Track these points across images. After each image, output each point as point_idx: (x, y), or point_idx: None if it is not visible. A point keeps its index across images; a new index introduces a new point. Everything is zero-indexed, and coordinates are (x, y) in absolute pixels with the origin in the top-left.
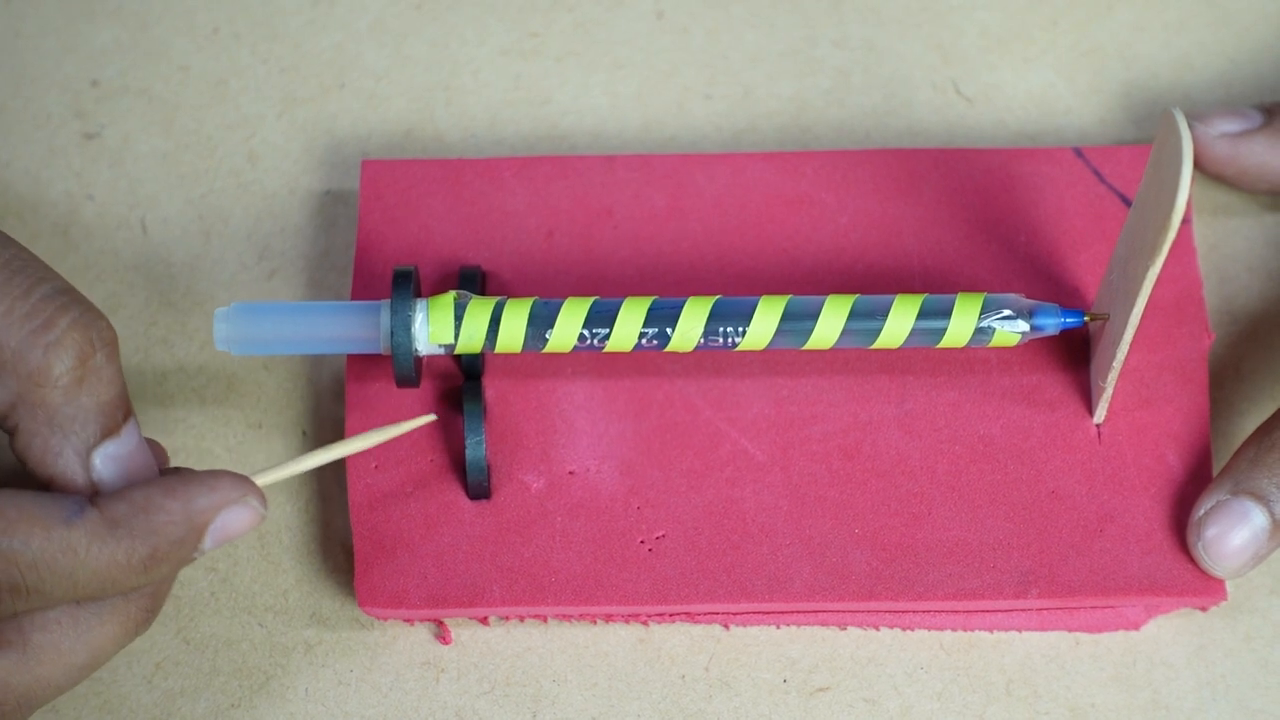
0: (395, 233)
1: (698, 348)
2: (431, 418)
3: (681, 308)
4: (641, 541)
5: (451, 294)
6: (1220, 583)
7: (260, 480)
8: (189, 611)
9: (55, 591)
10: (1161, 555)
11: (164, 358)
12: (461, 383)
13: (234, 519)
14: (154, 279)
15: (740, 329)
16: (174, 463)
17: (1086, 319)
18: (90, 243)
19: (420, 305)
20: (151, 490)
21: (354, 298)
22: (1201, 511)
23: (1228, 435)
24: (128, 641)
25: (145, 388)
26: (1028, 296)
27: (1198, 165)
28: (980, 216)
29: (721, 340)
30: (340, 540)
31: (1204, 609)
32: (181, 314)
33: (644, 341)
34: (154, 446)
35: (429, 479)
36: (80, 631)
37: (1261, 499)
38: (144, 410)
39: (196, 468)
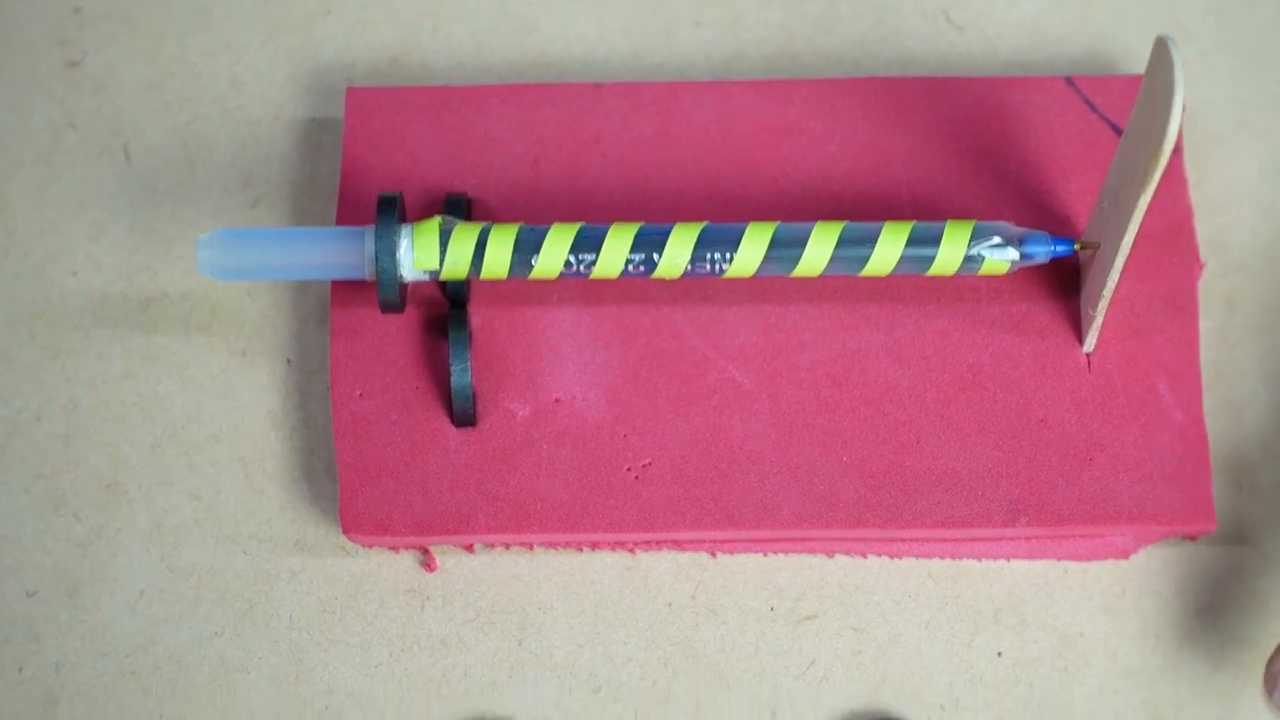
0: (380, 160)
1: (685, 274)
2: None
3: (669, 234)
4: (628, 469)
5: (437, 219)
6: (1210, 512)
7: None
8: (172, 539)
9: None
10: (1151, 484)
11: (148, 285)
12: (447, 310)
13: None
14: (137, 207)
15: (728, 255)
16: (155, 391)
17: (1076, 247)
18: (73, 171)
19: (405, 230)
20: None
21: (339, 225)
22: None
23: (1218, 365)
24: None
25: (129, 316)
26: (1018, 225)
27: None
28: (970, 145)
29: (709, 267)
30: (325, 468)
31: (1193, 538)
32: (165, 241)
33: (631, 268)
34: None
35: (414, 406)
36: None
37: None
38: (128, 338)
39: (180, 395)
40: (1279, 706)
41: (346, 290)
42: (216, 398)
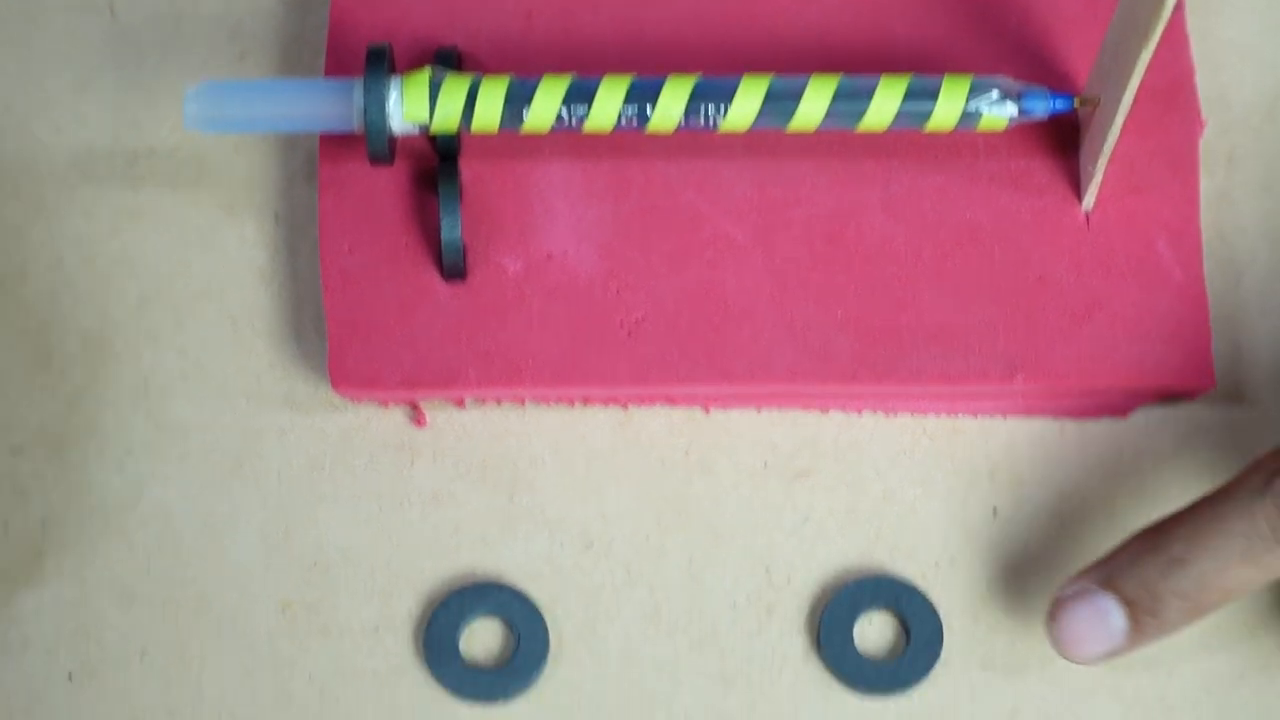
0: (369, 14)
1: (679, 128)
2: None
3: (662, 86)
4: (620, 324)
5: (427, 70)
6: (1208, 370)
7: None
8: (159, 395)
9: None
10: (1150, 343)
11: (134, 141)
12: (436, 163)
13: None
14: (123, 62)
15: (722, 108)
16: (142, 247)
17: (1076, 103)
18: (57, 26)
19: (394, 82)
20: None
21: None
22: (1068, 591)
23: (1218, 225)
24: None
25: (115, 172)
26: (1017, 80)
27: None
28: None
29: (703, 120)
30: (313, 323)
31: (1191, 397)
32: (151, 96)
33: (624, 121)
34: None
35: (403, 261)
36: None
37: (1129, 603)
38: (113, 195)
39: (167, 251)
40: (1057, 638)
41: (335, 144)
42: (204, 253)
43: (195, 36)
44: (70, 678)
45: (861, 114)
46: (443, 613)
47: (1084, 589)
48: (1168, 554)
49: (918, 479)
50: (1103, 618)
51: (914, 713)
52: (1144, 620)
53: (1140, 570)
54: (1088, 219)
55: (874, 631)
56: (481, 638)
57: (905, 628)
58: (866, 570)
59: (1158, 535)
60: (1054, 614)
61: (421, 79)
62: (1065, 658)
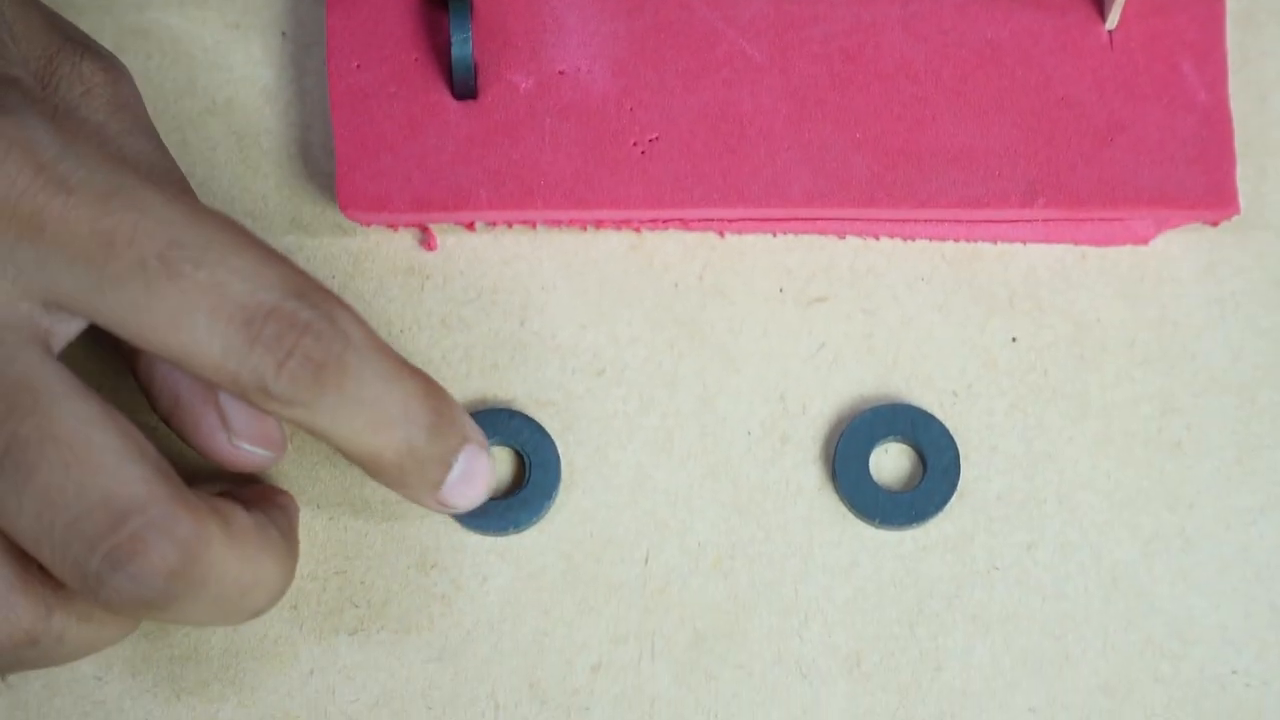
0: None
1: None
2: None
3: None
4: (634, 144)
5: None
6: (1233, 196)
7: None
8: None
9: (363, 392)
10: (1173, 167)
11: None
12: None
13: (480, 461)
14: None
15: None
16: (146, 66)
17: None
18: None
19: None
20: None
21: None
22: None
23: (1244, 46)
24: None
25: None
26: None
27: None
28: None
29: None
30: (321, 144)
31: (1215, 223)
32: None
33: None
34: None
35: (413, 79)
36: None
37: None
38: (119, 13)
39: (172, 70)
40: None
41: None
42: (210, 71)
43: None
44: None
45: None
46: None
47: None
48: None
49: (936, 305)
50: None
51: (930, 544)
52: None
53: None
54: (1111, 39)
55: (890, 461)
56: None
57: (922, 458)
58: (883, 398)
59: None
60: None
61: None
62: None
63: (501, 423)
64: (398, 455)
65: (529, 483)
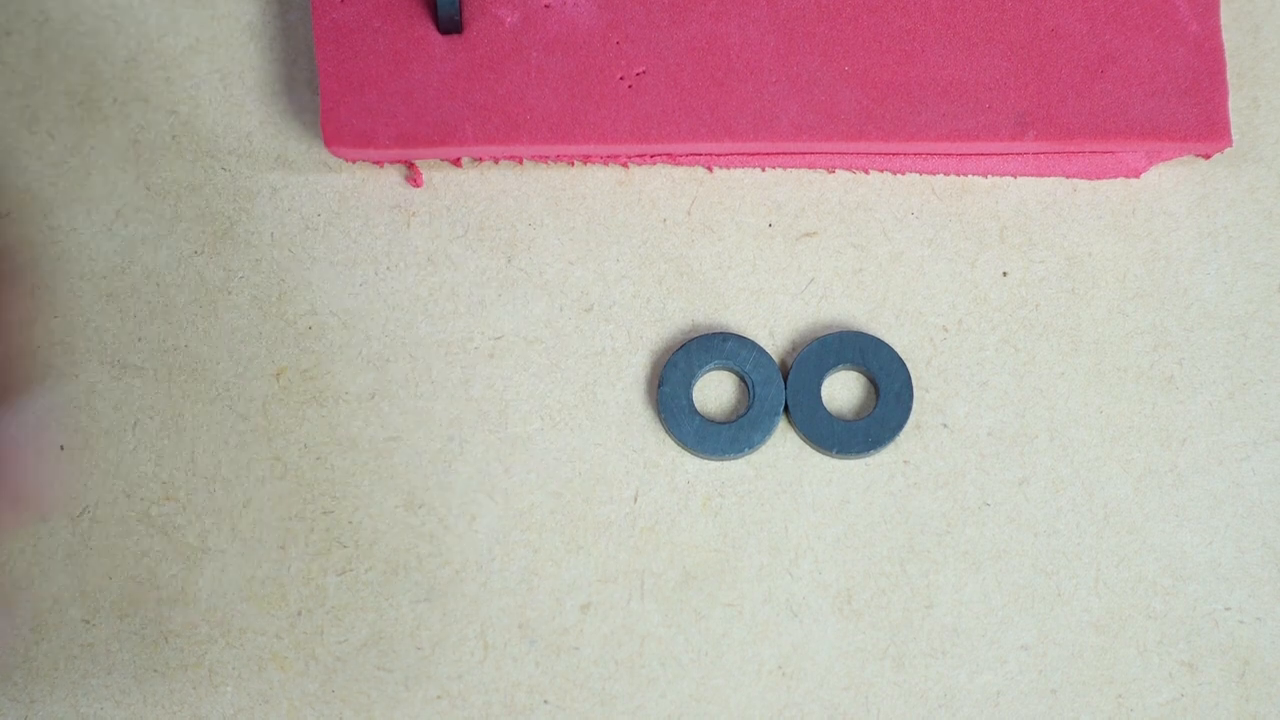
0: None
1: None
2: None
3: None
4: (621, 78)
5: None
6: (1225, 128)
7: None
8: (149, 156)
9: None
10: (1165, 99)
11: None
12: None
13: None
14: None
15: None
16: (129, 2)
17: None
18: None
19: None
20: None
21: None
22: None
23: None
24: None
25: None
26: None
27: None
28: None
29: None
30: (306, 79)
31: (1207, 156)
32: None
33: None
34: None
35: (397, 12)
36: None
37: None
38: None
39: (155, 6)
40: None
41: None
42: (193, 8)
43: None
44: (62, 449)
45: None
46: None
47: None
48: None
49: (926, 239)
50: None
51: (921, 480)
52: None
53: None
54: None
55: (845, 391)
56: None
57: (874, 384)
58: (853, 330)
59: None
60: None
61: None
62: None
63: (716, 346)
64: None
65: (754, 402)
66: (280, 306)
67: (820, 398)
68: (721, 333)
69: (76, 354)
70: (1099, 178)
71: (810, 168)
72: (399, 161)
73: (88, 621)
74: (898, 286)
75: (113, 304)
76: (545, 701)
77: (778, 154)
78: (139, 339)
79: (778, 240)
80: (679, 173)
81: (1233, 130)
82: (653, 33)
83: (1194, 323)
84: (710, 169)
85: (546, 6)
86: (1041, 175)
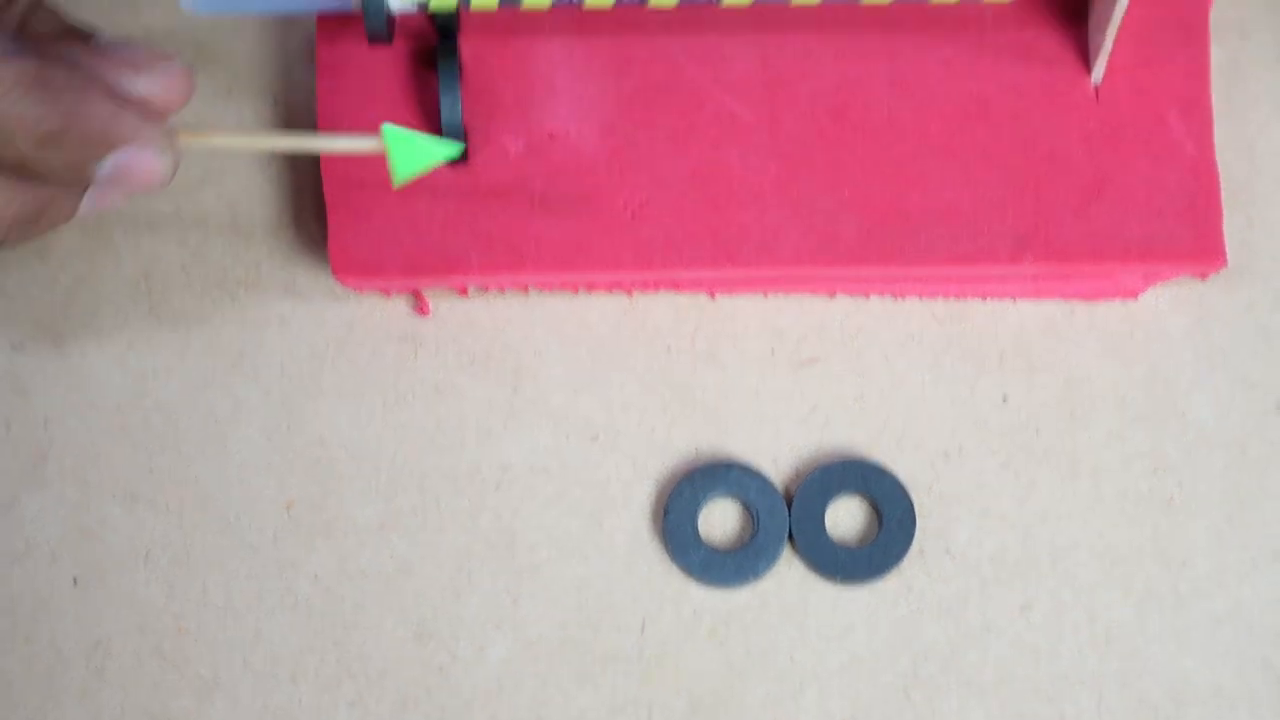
0: None
1: (681, 0)
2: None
3: None
4: (624, 206)
5: None
6: (1220, 249)
7: (188, 139)
8: (160, 288)
9: None
10: (1161, 220)
11: (130, 24)
12: (436, 42)
13: (140, 160)
14: None
15: None
16: None
17: None
18: None
19: None
20: (87, 81)
21: None
22: None
23: (1230, 97)
24: None
25: None
26: None
27: None
28: None
29: None
30: (314, 210)
31: (1203, 276)
32: None
33: None
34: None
35: None
36: None
37: None
38: None
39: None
40: None
41: (333, 25)
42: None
43: None
44: (75, 582)
45: None
46: None
47: None
48: None
49: (926, 365)
50: None
51: (924, 607)
52: None
53: None
54: (1097, 92)
55: (847, 518)
56: None
57: (877, 511)
58: (857, 459)
59: None
60: None
61: None
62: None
63: (721, 475)
64: (14, 162)
65: (759, 530)
66: (290, 438)
67: (824, 525)
68: (725, 462)
69: (88, 486)
70: (1097, 299)
71: (812, 292)
72: (406, 290)
73: None
74: (899, 412)
75: (124, 435)
76: None
77: (779, 279)
78: (150, 471)
79: (780, 367)
80: (682, 300)
81: (1228, 250)
82: (655, 161)
83: (1192, 444)
84: (713, 295)
85: (551, 135)
86: (1040, 297)
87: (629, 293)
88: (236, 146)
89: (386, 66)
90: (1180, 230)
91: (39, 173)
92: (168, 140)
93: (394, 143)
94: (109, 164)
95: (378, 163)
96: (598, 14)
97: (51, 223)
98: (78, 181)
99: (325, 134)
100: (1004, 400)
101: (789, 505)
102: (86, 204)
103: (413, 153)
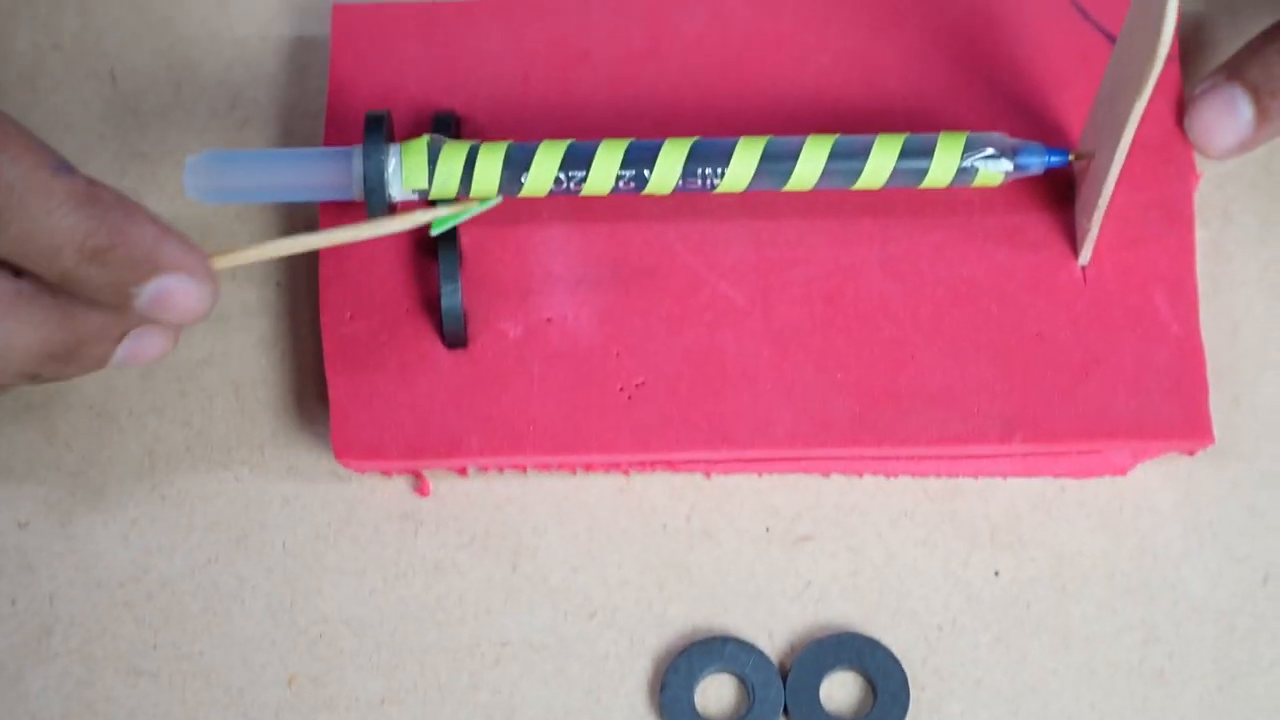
0: (368, 79)
1: (676, 190)
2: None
3: (659, 149)
4: (621, 389)
5: (425, 138)
6: (1207, 427)
7: (220, 263)
8: (164, 467)
9: (11, 229)
10: (1148, 398)
11: None
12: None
13: (181, 288)
14: (124, 130)
15: (719, 170)
16: None
17: (1071, 157)
18: (59, 93)
19: (393, 150)
20: (134, 205)
21: (327, 145)
22: (1198, 89)
23: (1215, 277)
24: (18, 364)
25: None
26: (1011, 135)
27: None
28: (963, 55)
29: (700, 182)
30: (316, 392)
31: (1191, 453)
32: (152, 164)
33: (621, 184)
34: None
35: (404, 328)
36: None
37: (1253, 89)
38: None
39: None
40: (1192, 132)
41: (335, 211)
42: (206, 322)
43: (195, 103)
44: None
45: (858, 173)
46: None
47: (1212, 83)
48: None
49: (919, 541)
50: (1231, 105)
51: None
52: (1268, 104)
53: (1262, 57)
54: (1084, 274)
55: (842, 692)
56: None
57: (872, 685)
58: (854, 634)
59: (1276, 27)
60: (1187, 111)
61: (420, 146)
62: (1202, 153)
63: (717, 650)
64: (57, 278)
65: (755, 704)
66: (292, 614)
67: (819, 699)
68: (721, 636)
69: (93, 661)
70: (1086, 476)
71: (805, 472)
72: (407, 472)
73: None
74: (892, 587)
75: (128, 611)
76: None
77: (774, 460)
78: (154, 646)
79: (775, 544)
80: (678, 480)
81: (1215, 427)
82: (651, 345)
83: (1182, 617)
84: (708, 475)
85: (548, 320)
86: (1030, 475)
87: (626, 473)
88: (274, 255)
89: (388, 252)
90: (1167, 409)
91: (81, 292)
92: (209, 272)
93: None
94: (151, 289)
95: (381, 346)
96: (594, 202)
97: (84, 365)
98: (119, 305)
99: (370, 221)
100: (995, 575)
101: (784, 679)
102: (122, 351)
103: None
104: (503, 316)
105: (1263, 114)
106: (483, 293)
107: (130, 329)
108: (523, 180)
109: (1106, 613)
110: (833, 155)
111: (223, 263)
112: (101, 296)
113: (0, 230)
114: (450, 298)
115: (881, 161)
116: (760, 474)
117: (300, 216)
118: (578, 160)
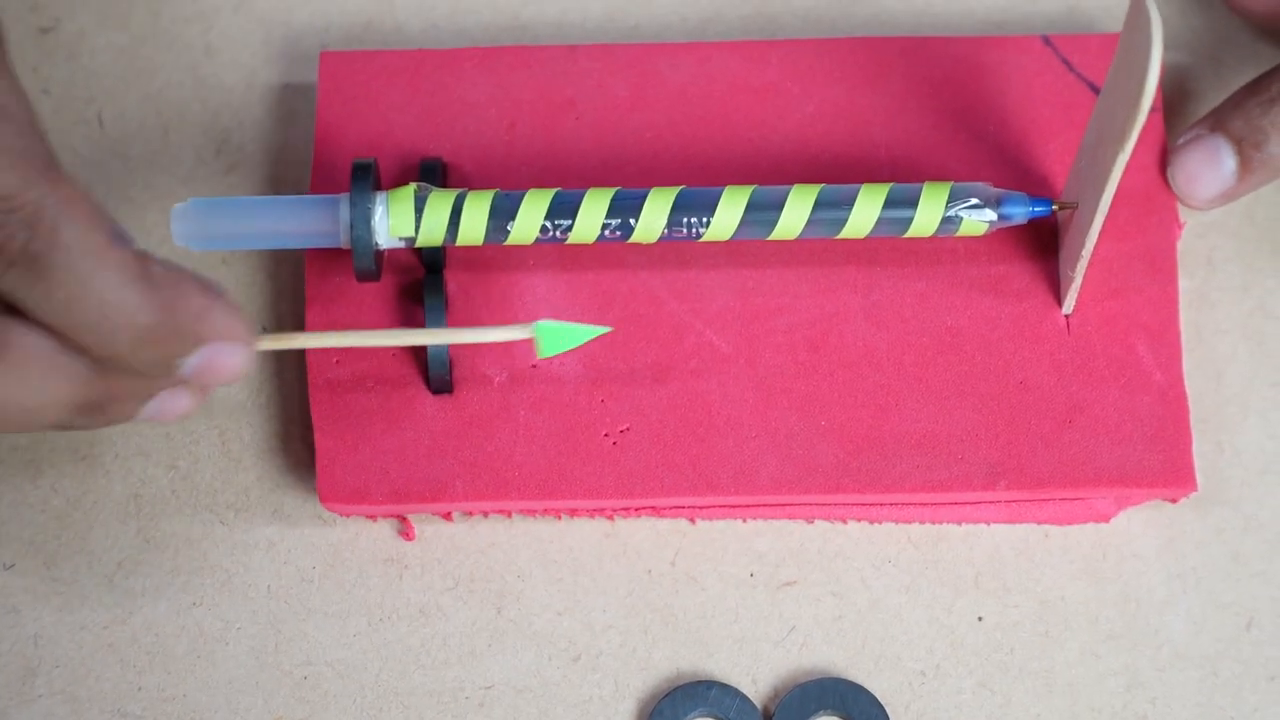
0: (355, 126)
1: (662, 239)
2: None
3: (645, 198)
4: (605, 435)
5: (412, 186)
6: (1190, 474)
7: (265, 345)
8: (150, 510)
9: (61, 292)
10: (1131, 446)
11: None
12: (422, 276)
13: (224, 356)
14: (111, 174)
15: (705, 219)
16: None
17: (1055, 207)
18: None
19: (380, 198)
20: (181, 275)
21: (313, 192)
22: (1180, 140)
23: (1198, 326)
24: (51, 417)
25: None
26: (995, 185)
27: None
28: (947, 106)
29: (686, 231)
30: (302, 436)
31: (1174, 500)
32: (139, 209)
33: (607, 233)
34: None
35: (390, 373)
36: (40, 365)
37: (1236, 141)
38: None
39: None
40: (1176, 183)
41: (322, 258)
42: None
43: (182, 149)
44: None
45: (842, 222)
46: None
47: (1196, 134)
48: (1268, 93)
49: (903, 587)
50: (1214, 156)
51: None
52: (1251, 155)
53: (1245, 109)
54: (1068, 323)
55: None
56: None
57: None
58: (838, 680)
59: (1259, 80)
60: (1171, 162)
61: (406, 194)
62: (1185, 203)
63: (701, 694)
64: (108, 355)
65: None
66: (277, 657)
67: None
68: (705, 681)
69: (78, 703)
70: (1069, 523)
71: (790, 518)
72: (392, 516)
73: None
74: (876, 633)
75: (113, 654)
76: None
77: (758, 506)
78: (139, 688)
79: (759, 589)
80: (663, 525)
81: (1198, 475)
82: (635, 391)
83: (1165, 663)
84: (693, 520)
85: (533, 366)
86: (1014, 522)
87: (610, 518)
88: (318, 345)
89: (374, 299)
90: (1151, 457)
91: (127, 369)
92: (250, 335)
93: (544, 334)
94: (195, 358)
95: (366, 392)
96: (580, 250)
97: (113, 419)
98: (163, 374)
99: (471, 328)
100: (979, 620)
101: None
102: (151, 408)
103: (561, 338)
104: (488, 362)
105: (1245, 165)
106: None
107: (164, 389)
108: (509, 228)
109: (1090, 658)
110: (818, 205)
111: (267, 345)
112: (145, 370)
113: (50, 292)
114: (436, 345)
115: (866, 211)
116: (745, 519)
117: (287, 261)
118: (564, 209)
